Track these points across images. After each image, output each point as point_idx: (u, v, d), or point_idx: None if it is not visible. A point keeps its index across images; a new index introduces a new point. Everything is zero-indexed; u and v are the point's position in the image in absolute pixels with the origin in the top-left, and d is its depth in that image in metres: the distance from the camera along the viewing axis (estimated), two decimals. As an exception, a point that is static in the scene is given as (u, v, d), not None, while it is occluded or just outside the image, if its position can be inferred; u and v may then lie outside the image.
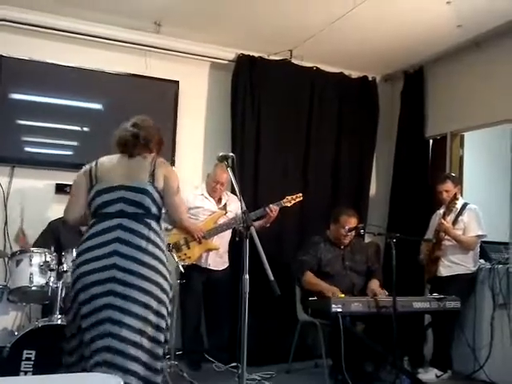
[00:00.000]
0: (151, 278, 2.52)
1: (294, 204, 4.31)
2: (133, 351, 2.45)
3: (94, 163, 2.72)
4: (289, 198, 4.29)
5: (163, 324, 2.57)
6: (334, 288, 3.95)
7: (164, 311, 2.58)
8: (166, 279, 2.59)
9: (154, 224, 2.60)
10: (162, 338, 2.56)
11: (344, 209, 4.34)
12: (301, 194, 4.35)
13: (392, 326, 3.50)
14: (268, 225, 4.22)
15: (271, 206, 4.18)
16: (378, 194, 5.49)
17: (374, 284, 4.16)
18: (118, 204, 2.57)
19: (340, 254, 4.27)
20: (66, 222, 2.80)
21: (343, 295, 3.84)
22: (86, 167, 2.73)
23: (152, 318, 2.52)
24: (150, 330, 2.50)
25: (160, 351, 2.55)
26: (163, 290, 2.57)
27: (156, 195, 2.60)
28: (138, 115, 2.82)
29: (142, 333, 2.48)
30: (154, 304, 2.53)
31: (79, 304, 2.55)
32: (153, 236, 2.58)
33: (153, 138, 2.74)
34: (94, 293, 2.50)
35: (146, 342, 2.49)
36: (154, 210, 2.60)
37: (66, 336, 2.66)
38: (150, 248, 2.55)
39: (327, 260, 4.20)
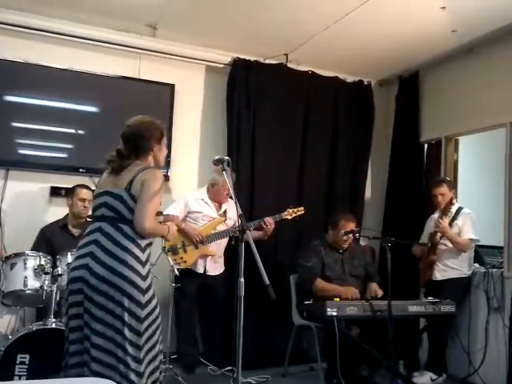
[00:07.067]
0: (115, 283, 2.51)
1: (294, 218, 4.27)
2: (102, 357, 2.49)
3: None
4: (290, 210, 4.24)
5: (138, 328, 2.52)
6: (350, 289, 4.00)
7: (127, 317, 2.51)
8: (132, 284, 2.52)
9: (126, 229, 2.59)
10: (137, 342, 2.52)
11: (342, 213, 4.36)
12: (302, 208, 4.31)
13: (387, 330, 3.51)
14: (266, 237, 4.20)
15: (267, 219, 4.13)
16: (373, 198, 5.50)
17: (374, 285, 4.21)
18: (102, 208, 2.66)
19: (339, 258, 4.28)
20: None
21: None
22: None
23: (118, 324, 2.51)
24: (117, 337, 2.51)
25: (138, 354, 2.51)
26: (126, 294, 2.52)
27: (130, 202, 2.59)
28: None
29: (109, 339, 2.51)
30: (117, 310, 2.51)
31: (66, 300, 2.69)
32: (124, 240, 2.57)
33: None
34: (70, 289, 2.63)
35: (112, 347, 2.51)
36: (127, 215, 2.59)
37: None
38: (119, 252, 2.55)
39: (328, 264, 4.21)
